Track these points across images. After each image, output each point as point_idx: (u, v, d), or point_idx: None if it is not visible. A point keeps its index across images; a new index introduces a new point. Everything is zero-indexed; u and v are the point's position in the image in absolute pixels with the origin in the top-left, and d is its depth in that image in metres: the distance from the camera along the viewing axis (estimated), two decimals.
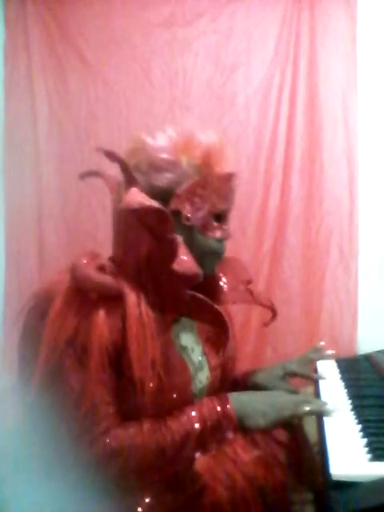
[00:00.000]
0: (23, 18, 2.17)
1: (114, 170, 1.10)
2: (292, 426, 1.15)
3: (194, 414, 1.01)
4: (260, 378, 1.31)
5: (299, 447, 1.17)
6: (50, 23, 2.17)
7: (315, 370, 1.42)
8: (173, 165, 1.06)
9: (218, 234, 1.11)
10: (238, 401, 1.06)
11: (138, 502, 0.99)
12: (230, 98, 2.18)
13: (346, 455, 0.92)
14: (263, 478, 1.02)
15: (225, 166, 1.10)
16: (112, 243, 1.11)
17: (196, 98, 2.18)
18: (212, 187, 1.08)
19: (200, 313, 1.12)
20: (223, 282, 1.23)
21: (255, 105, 2.18)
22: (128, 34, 2.18)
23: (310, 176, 2.18)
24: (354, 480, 0.84)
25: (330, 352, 1.38)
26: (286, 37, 2.17)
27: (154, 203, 1.01)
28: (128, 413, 0.99)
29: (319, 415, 1.10)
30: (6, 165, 2.19)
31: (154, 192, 1.05)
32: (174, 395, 1.03)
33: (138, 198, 1.01)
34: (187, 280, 1.04)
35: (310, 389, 1.38)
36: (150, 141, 1.08)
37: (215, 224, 1.11)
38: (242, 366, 1.39)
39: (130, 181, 1.05)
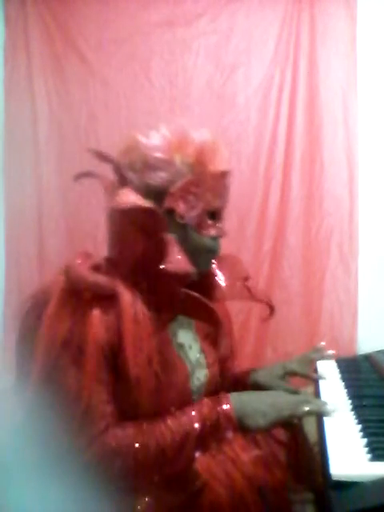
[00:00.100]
0: (23, 17, 2.17)
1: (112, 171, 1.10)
2: (292, 425, 1.15)
3: (193, 413, 1.01)
4: (260, 376, 1.31)
5: (299, 447, 1.17)
6: (50, 23, 2.18)
7: (315, 370, 1.42)
8: (167, 163, 1.05)
9: (213, 231, 1.11)
10: (237, 400, 1.06)
11: (138, 501, 0.99)
12: (230, 97, 2.18)
13: (346, 455, 0.91)
14: (263, 477, 1.02)
15: (219, 164, 1.09)
16: (107, 243, 1.11)
17: (196, 98, 2.18)
18: (206, 185, 1.08)
19: (195, 311, 1.12)
20: (220, 280, 1.23)
21: (255, 105, 2.18)
22: (128, 34, 2.18)
23: (310, 176, 2.18)
24: (354, 480, 0.84)
25: (330, 352, 1.37)
26: (286, 37, 2.17)
27: (146, 203, 1.01)
28: (126, 412, 0.99)
29: (319, 415, 1.09)
30: (6, 165, 2.19)
31: (148, 191, 1.05)
32: (172, 393, 1.03)
33: (129, 198, 1.02)
34: (179, 279, 1.04)
35: (310, 389, 1.37)
36: (143, 140, 1.08)
37: (210, 222, 1.11)
38: (242, 365, 1.40)
39: (123, 181, 1.05)
